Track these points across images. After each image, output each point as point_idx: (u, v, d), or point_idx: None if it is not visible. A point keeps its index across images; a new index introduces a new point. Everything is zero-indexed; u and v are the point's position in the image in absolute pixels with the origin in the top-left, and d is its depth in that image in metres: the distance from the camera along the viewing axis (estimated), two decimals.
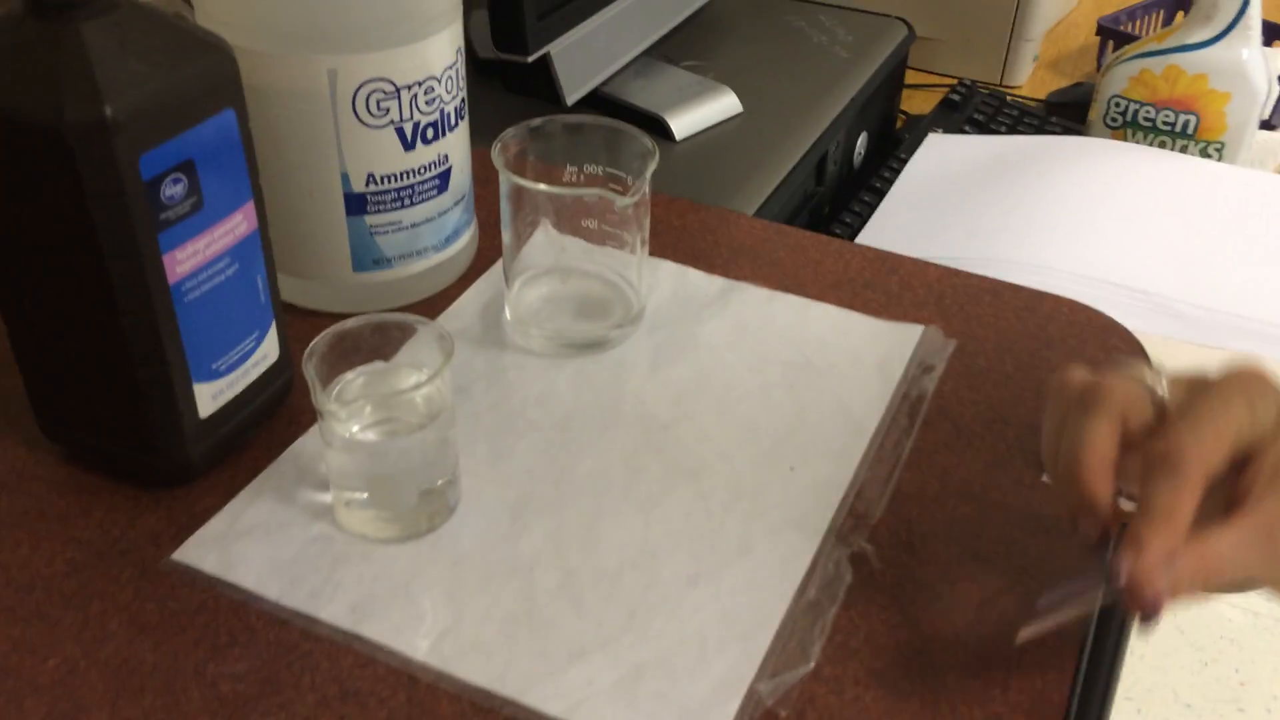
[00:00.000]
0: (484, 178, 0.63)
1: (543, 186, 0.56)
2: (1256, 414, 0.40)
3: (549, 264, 0.62)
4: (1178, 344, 0.72)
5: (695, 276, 0.66)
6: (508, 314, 0.62)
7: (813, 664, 0.44)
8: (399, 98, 0.56)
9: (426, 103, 0.57)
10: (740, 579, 0.47)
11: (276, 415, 0.55)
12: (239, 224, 0.48)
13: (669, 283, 0.66)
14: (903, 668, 0.44)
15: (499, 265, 0.66)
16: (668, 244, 0.69)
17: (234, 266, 0.49)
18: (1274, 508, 0.39)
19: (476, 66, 0.92)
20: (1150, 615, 0.38)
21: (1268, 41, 0.99)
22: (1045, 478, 0.43)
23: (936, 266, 0.68)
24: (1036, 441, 0.55)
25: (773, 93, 0.94)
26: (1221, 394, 0.40)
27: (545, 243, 0.60)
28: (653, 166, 0.56)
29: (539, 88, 0.85)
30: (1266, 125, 1.05)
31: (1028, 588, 0.47)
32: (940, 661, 0.45)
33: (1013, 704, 0.43)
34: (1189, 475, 0.39)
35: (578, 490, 0.52)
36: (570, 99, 0.85)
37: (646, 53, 0.95)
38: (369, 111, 0.56)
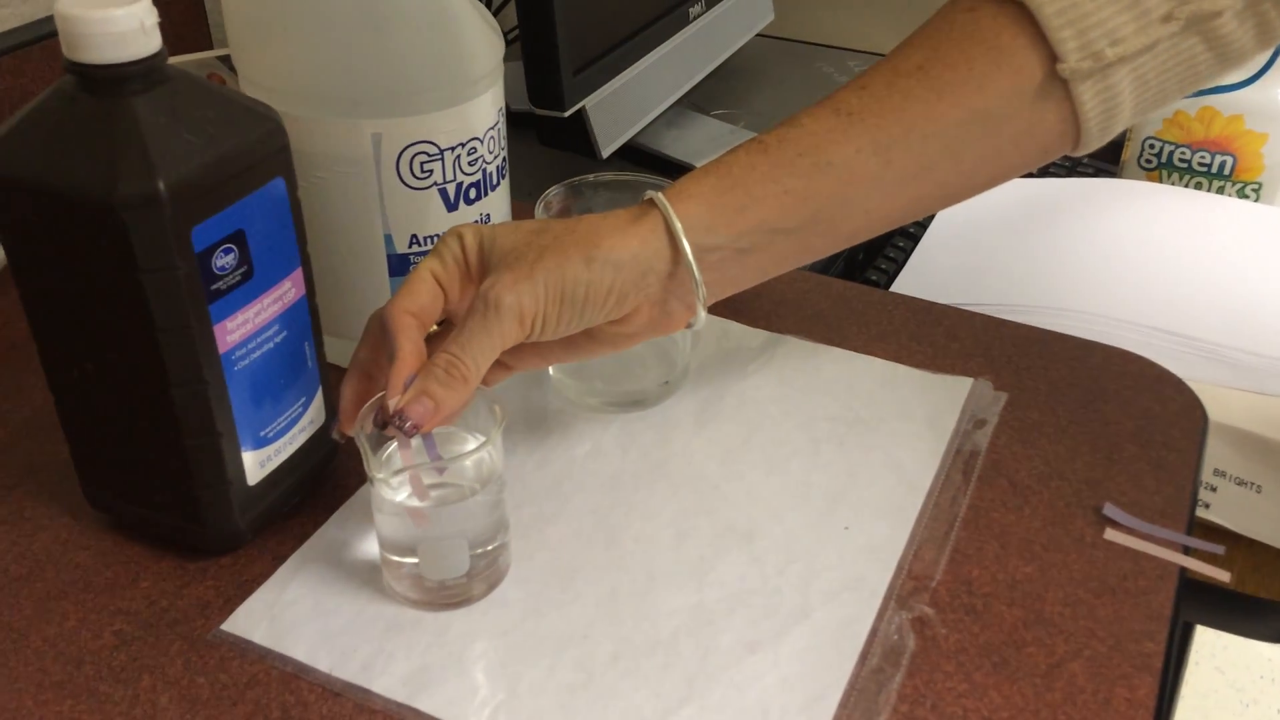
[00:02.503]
0: None
1: None
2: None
3: None
4: (1229, 391, 0.71)
5: (738, 330, 0.66)
6: (551, 371, 0.61)
7: None
8: (442, 159, 0.56)
9: (469, 163, 0.57)
10: (800, 645, 0.46)
11: (322, 478, 0.55)
12: (288, 290, 0.48)
13: (712, 337, 0.65)
14: None
15: None
16: None
17: (283, 333, 0.48)
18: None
19: (509, 118, 0.92)
20: (402, 425, 0.45)
21: None
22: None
23: (982, 316, 0.67)
24: (1095, 497, 0.54)
25: None
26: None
27: None
28: None
29: (573, 141, 0.85)
30: None
31: (1096, 652, 0.46)
32: None
33: None
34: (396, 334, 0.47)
35: (628, 553, 0.51)
36: (605, 152, 0.84)
37: (678, 102, 0.95)
38: (412, 174, 0.56)
